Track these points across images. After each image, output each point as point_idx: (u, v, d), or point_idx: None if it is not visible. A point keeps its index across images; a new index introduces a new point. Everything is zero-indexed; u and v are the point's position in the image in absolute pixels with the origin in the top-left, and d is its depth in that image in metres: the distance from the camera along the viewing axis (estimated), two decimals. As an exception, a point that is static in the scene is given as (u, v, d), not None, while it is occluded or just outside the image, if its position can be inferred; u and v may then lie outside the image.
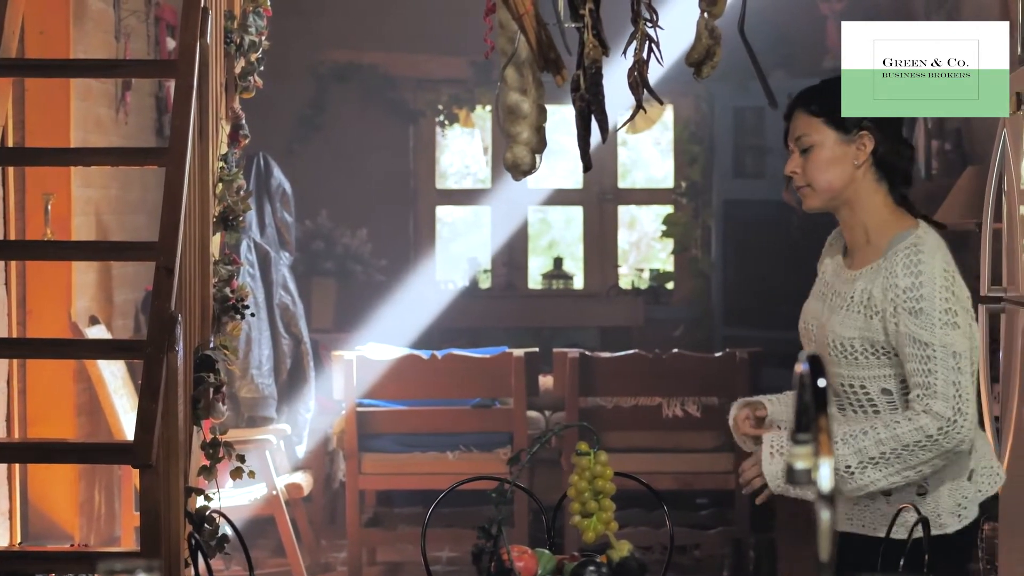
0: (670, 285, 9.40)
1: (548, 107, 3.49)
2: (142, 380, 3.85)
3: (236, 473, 4.47)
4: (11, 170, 5.74)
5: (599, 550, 3.02)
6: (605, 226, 9.50)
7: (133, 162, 5.87)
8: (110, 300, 6.67)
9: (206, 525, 4.17)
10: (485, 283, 9.45)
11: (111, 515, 6.55)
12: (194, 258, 4.27)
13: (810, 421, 1.86)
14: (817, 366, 1.90)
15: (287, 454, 6.98)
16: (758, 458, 3.16)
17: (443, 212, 9.67)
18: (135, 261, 6.40)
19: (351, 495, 6.46)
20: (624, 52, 3.36)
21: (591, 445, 3.03)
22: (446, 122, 9.35)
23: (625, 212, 9.77)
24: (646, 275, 9.54)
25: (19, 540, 5.55)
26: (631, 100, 3.38)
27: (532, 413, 6.59)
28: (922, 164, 7.51)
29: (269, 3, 4.99)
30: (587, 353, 6.50)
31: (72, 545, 5.84)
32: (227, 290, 4.54)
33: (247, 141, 4.95)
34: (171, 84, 4.95)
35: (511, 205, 9.28)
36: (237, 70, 4.92)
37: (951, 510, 3.13)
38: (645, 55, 3.35)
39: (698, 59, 3.40)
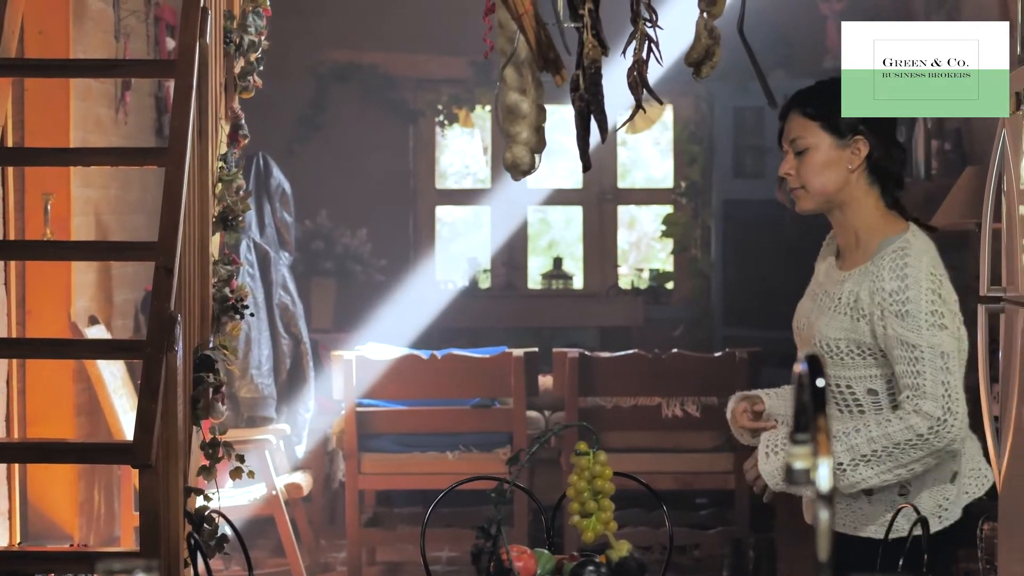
0: (670, 285, 9.39)
1: (547, 107, 3.49)
2: (141, 380, 3.85)
3: (235, 473, 4.47)
4: (11, 170, 5.74)
5: (598, 550, 3.02)
6: (605, 226, 9.50)
7: (133, 162, 5.87)
8: (110, 300, 6.66)
9: (205, 525, 4.17)
10: (485, 283, 9.44)
11: (110, 515, 6.55)
12: (193, 258, 4.27)
13: (809, 421, 1.86)
14: (816, 366, 1.90)
15: (287, 454, 6.98)
16: (756, 457, 3.18)
17: (443, 212, 9.66)
18: (135, 261, 6.39)
19: (351, 495, 6.46)
20: (624, 52, 3.36)
21: (590, 445, 3.02)
22: (446, 122, 9.34)
23: (625, 212, 9.76)
24: (646, 275, 9.53)
25: (19, 540, 5.55)
26: (630, 100, 3.37)
27: (532, 413, 6.59)
28: (922, 164, 7.50)
29: (269, 3, 4.99)
30: (587, 353, 6.50)
31: (72, 545, 5.84)
32: (226, 290, 4.54)
33: (247, 141, 4.95)
34: (171, 84, 4.94)
35: (511, 205, 9.27)
36: (236, 70, 4.92)
37: (931, 511, 3.15)
38: (644, 55, 3.35)
39: (697, 59, 3.40)
